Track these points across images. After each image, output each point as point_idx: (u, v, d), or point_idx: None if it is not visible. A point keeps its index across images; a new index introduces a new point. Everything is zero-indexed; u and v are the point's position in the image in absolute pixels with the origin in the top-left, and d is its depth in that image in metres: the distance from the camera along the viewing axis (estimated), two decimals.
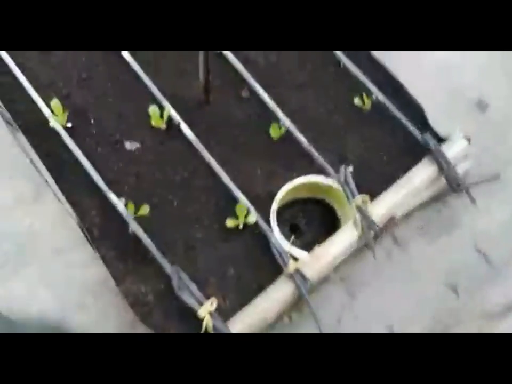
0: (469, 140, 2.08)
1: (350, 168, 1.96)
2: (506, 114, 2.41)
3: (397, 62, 2.35)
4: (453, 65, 2.48)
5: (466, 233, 2.18)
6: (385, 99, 2.14)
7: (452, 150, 2.04)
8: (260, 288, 1.84)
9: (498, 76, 2.49)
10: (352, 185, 1.91)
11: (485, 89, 2.45)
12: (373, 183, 2.06)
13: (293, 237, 1.91)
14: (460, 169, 2.09)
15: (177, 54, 2.23)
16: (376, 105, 2.18)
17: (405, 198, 2.00)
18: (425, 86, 2.40)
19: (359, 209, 1.88)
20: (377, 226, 1.88)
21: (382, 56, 2.33)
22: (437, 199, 2.17)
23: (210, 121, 2.13)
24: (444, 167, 1.98)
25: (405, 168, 2.07)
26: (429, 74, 2.46)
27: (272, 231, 1.89)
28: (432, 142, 2.00)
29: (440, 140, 2.10)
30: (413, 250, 2.13)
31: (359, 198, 1.88)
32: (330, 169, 2.00)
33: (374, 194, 2.02)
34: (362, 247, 2.05)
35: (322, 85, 2.23)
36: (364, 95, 2.17)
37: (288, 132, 2.09)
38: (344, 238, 1.91)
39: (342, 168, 1.94)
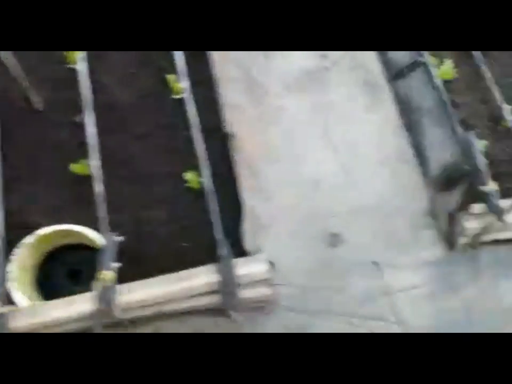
0: (272, 265, 1.83)
1: (119, 238, 1.73)
2: (353, 261, 2.14)
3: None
4: (327, 185, 2.27)
5: None
6: (213, 189, 1.93)
7: (246, 268, 1.78)
8: None
9: (366, 215, 2.24)
10: (110, 256, 1.68)
11: (349, 225, 2.22)
12: (149, 265, 1.83)
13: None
14: (252, 292, 1.82)
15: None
16: (203, 190, 1.96)
17: (171, 294, 1.74)
18: (282, 191, 2.20)
19: (103, 284, 1.64)
20: (116, 309, 1.63)
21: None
22: (219, 311, 1.89)
23: (22, 130, 1.97)
24: (224, 279, 1.73)
25: (195, 264, 1.83)
26: (297, 185, 2.24)
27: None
28: (225, 250, 1.76)
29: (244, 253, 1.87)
30: None
31: (107, 274, 1.64)
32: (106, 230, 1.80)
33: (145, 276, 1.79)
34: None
35: (165, 144, 2.05)
36: (196, 174, 1.98)
37: (90, 176, 1.90)
38: (75, 307, 1.66)
39: (114, 234, 1.72)
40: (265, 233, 2.12)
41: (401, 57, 2.53)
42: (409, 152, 2.42)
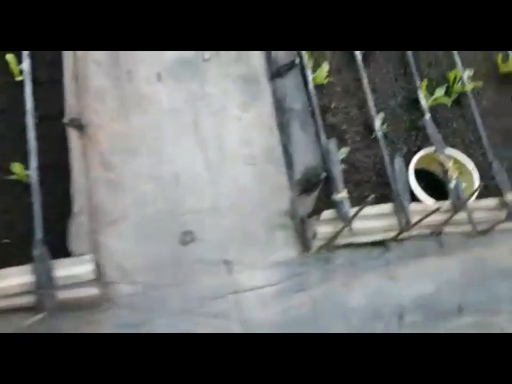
0: (98, 266, 1.77)
1: None
2: (203, 259, 2.11)
3: None
4: (188, 181, 2.20)
5: None
6: (38, 182, 1.77)
7: (67, 269, 1.70)
8: None
9: (225, 214, 2.19)
10: None
11: (206, 223, 2.16)
12: None
13: None
14: (75, 293, 1.75)
15: None
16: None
17: None
18: (138, 185, 2.11)
19: None
20: None
21: None
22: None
23: None
24: (39, 280, 1.64)
25: (16, 262, 1.72)
26: (156, 179, 2.15)
27: None
28: (40, 250, 1.66)
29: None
30: None
31: None
32: None
33: None
34: None
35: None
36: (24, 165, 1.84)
37: None
38: None
39: None
40: (114, 229, 2.05)
41: (282, 55, 2.48)
42: (277, 152, 2.38)
